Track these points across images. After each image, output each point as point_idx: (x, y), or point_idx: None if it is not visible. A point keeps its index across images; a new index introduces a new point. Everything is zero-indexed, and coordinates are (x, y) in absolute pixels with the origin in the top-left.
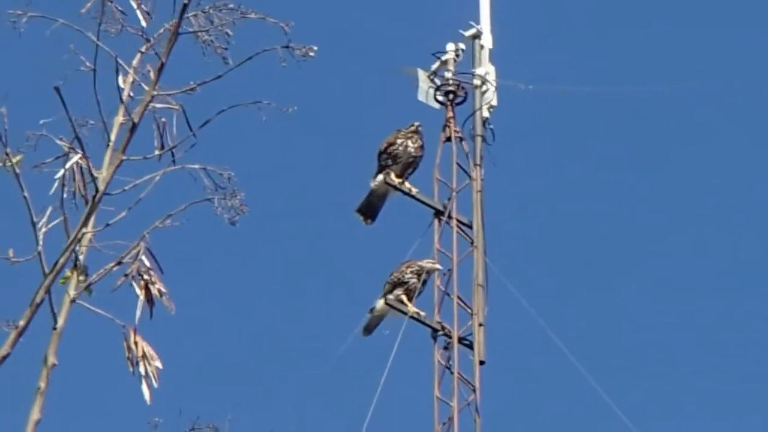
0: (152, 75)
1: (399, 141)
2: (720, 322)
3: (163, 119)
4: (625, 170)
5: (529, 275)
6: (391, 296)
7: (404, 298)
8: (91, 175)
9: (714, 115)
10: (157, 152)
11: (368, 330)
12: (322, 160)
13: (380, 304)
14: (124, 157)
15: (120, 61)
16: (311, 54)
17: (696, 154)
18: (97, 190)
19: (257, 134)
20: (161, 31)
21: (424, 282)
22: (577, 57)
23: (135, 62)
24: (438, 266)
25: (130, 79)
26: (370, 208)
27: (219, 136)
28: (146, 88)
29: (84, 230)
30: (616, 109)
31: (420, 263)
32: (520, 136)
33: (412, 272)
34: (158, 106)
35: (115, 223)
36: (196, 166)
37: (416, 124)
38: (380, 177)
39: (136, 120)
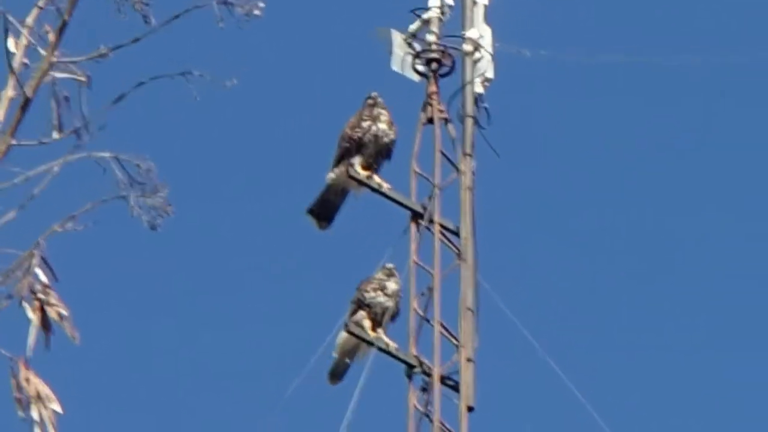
0: (51, 37)
1: (365, 123)
2: None
3: (65, 93)
4: (662, 165)
5: (532, 297)
6: (351, 321)
7: (366, 323)
8: None
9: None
10: (55, 135)
11: (336, 375)
12: (268, 147)
13: (341, 336)
14: (14, 142)
15: (10, 18)
16: (256, 12)
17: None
18: None
19: (186, 114)
20: None
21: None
22: (599, 17)
23: (30, 20)
24: (389, 265)
25: (23, 41)
26: (325, 208)
27: (136, 116)
28: (44, 53)
29: None
30: (651, 84)
31: (378, 275)
32: (522, 118)
33: (373, 289)
34: (59, 75)
35: (2, 226)
36: (106, 155)
37: (373, 94)
38: (340, 168)
39: (29, 94)
